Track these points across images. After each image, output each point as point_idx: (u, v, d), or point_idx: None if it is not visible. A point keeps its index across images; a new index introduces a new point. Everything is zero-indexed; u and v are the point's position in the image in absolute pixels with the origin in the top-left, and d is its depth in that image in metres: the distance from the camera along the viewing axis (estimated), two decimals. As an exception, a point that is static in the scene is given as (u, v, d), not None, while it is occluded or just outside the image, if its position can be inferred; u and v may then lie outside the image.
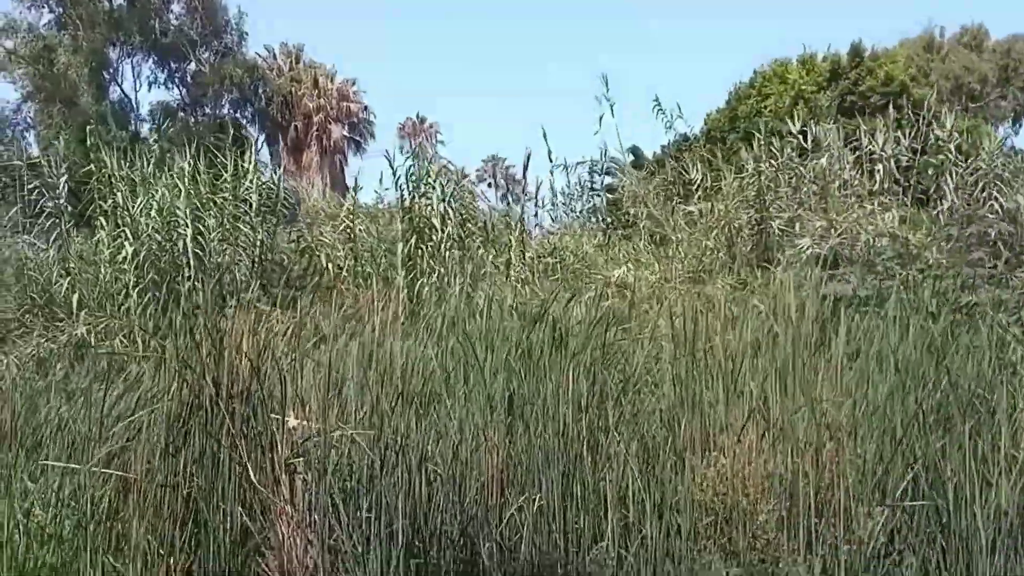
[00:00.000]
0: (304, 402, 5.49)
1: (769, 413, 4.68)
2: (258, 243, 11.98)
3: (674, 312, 6.22)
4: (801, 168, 12.94)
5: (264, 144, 28.05)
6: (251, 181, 11.74)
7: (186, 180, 11.55)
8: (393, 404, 5.35)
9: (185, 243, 11.38)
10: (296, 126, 27.26)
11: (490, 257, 11.91)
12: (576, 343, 5.44)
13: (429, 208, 10.97)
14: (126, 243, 11.95)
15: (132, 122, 30.65)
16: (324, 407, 5.39)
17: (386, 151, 29.77)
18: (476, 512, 4.96)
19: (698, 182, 13.76)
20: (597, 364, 5.21)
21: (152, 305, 11.64)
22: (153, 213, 11.78)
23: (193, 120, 28.14)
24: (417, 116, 47.23)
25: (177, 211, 11.33)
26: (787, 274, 10.36)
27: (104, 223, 12.56)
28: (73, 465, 5.54)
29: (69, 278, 11.65)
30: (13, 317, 12.49)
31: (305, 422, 5.48)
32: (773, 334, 5.46)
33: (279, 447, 5.39)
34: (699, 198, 13.73)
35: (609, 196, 17.72)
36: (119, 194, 11.98)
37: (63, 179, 12.15)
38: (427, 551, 5.03)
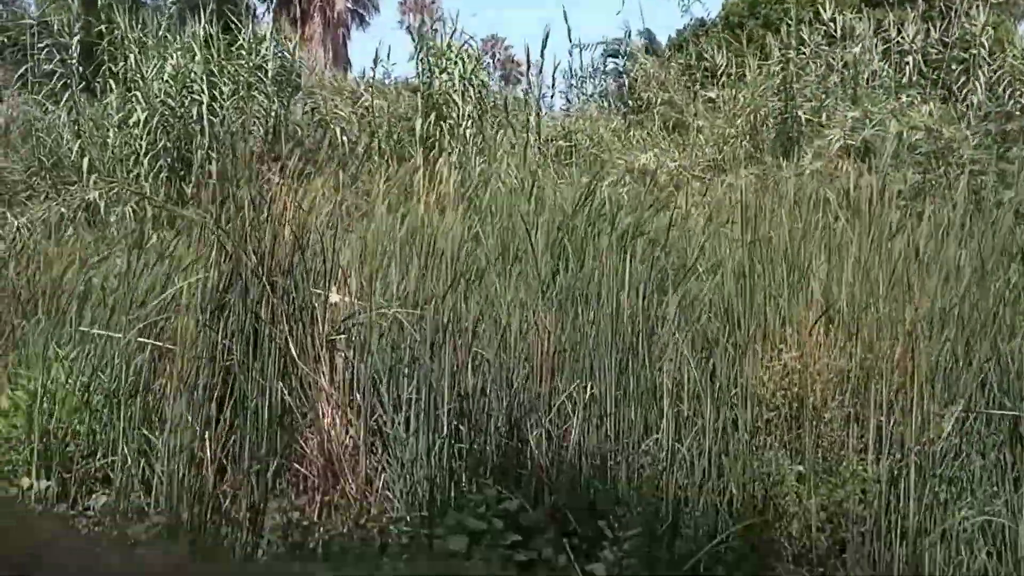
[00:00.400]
0: (346, 278, 5.28)
1: (836, 307, 4.48)
2: (272, 114, 11.55)
3: (704, 200, 5.99)
4: (831, 57, 12.46)
5: (267, 13, 26.96)
6: (267, 48, 11.20)
7: (200, 45, 11.01)
8: (439, 283, 5.15)
9: (200, 109, 10.96)
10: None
11: (506, 138, 11.52)
12: (625, 226, 5.20)
13: (450, 84, 10.51)
14: (137, 108, 11.53)
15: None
16: (369, 282, 5.18)
17: (408, 25, 28.61)
18: (524, 399, 4.82)
19: (722, 68, 13.23)
20: (651, 248, 4.98)
21: (164, 172, 11.34)
22: (166, 77, 11.30)
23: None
24: (420, -10, 45.45)
25: (192, 76, 10.84)
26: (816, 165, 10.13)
27: (113, 86, 12.10)
28: (111, 333, 5.34)
29: (80, 141, 11.25)
30: (20, 179, 12.17)
31: (347, 298, 5.29)
32: (830, 226, 5.24)
33: (320, 323, 5.21)
34: (722, 85, 13.24)
35: (622, 81, 17.18)
36: (131, 56, 11.46)
37: (76, 38, 11.57)
38: (472, 436, 4.92)
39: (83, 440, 5.13)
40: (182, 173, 11.63)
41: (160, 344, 5.20)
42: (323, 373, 5.18)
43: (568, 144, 12.25)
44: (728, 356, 4.62)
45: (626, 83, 16.73)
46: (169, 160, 11.35)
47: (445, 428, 4.91)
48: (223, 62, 11.15)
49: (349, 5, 33.18)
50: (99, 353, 5.44)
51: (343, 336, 5.20)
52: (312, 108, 12.02)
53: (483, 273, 5.14)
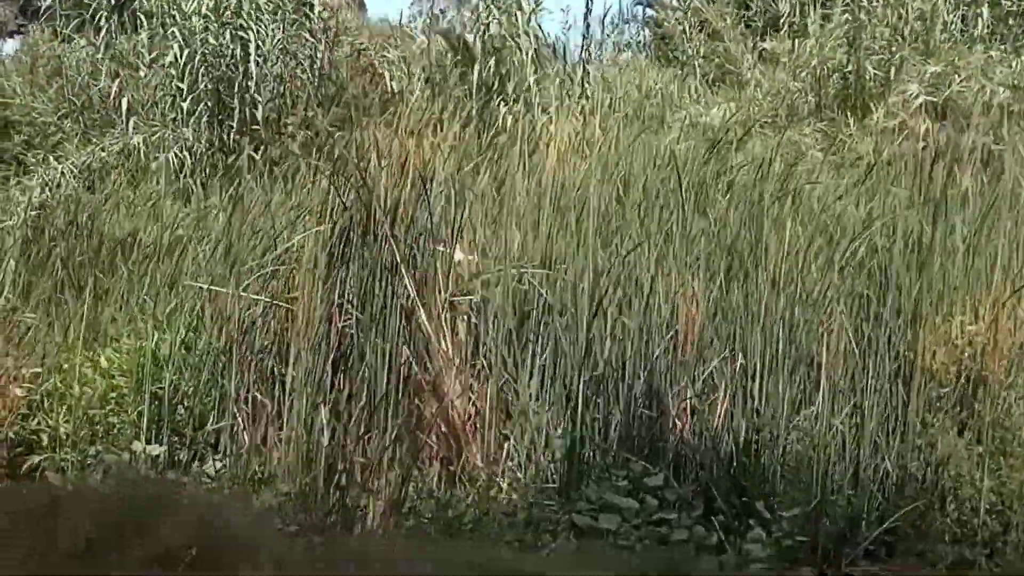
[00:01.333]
0: (471, 234, 4.97)
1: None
2: (318, 55, 11.06)
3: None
4: (901, 7, 11.99)
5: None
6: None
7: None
8: (573, 241, 4.84)
9: (247, 48, 10.45)
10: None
11: (561, 90, 11.07)
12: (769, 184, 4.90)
13: (513, 28, 10.03)
14: (174, 45, 11.00)
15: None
16: (502, 240, 4.87)
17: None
18: (667, 367, 4.55)
19: (784, 15, 12.75)
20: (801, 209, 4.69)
21: (205, 116, 10.87)
22: (205, 11, 10.76)
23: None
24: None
25: (235, 10, 10.32)
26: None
27: (144, 21, 11.57)
28: (220, 288, 5.02)
29: (118, 80, 10.76)
30: (51, 121, 11.70)
31: (472, 256, 4.99)
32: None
33: (442, 282, 4.92)
34: (783, 35, 12.76)
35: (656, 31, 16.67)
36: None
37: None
38: (607, 406, 4.66)
39: (192, 402, 4.84)
40: (221, 118, 11.16)
41: (276, 301, 4.89)
42: (444, 336, 4.91)
43: (616, 96, 11.82)
44: (889, 326, 4.36)
45: (657, 33, 16.25)
46: (209, 104, 10.87)
47: (578, 397, 4.64)
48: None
49: None
50: (203, 310, 5.11)
51: (469, 297, 4.91)
52: (360, 50, 11.52)
53: (622, 230, 4.83)
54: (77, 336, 5.20)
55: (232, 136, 10.91)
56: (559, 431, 4.70)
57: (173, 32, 10.99)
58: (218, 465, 4.63)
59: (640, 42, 15.66)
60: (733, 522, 4.20)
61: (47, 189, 9.06)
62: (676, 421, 4.50)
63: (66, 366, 5.03)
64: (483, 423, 4.79)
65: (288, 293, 4.94)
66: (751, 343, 4.42)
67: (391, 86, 11.04)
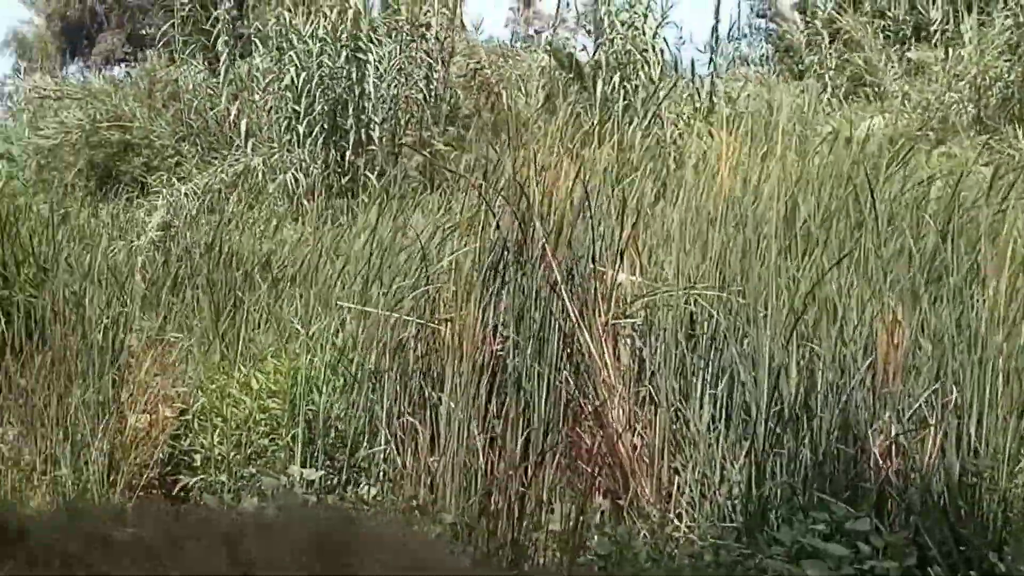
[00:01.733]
0: (635, 254, 4.66)
1: None
2: (434, 75, 10.98)
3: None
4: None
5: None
6: (430, 5, 10.61)
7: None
8: (746, 259, 4.48)
9: (363, 69, 10.43)
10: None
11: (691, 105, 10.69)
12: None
13: (638, 40, 9.72)
14: (291, 68, 11.05)
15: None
16: (677, 260, 4.54)
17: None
18: (864, 400, 4.13)
19: (936, 22, 12.05)
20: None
21: (320, 137, 10.86)
22: (322, 34, 10.78)
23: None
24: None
25: (351, 34, 10.31)
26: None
27: (260, 45, 11.68)
28: (371, 309, 4.81)
29: (237, 103, 10.85)
30: (169, 144, 11.87)
31: (635, 277, 4.68)
32: None
33: (602, 304, 4.61)
34: (936, 43, 12.06)
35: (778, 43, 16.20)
36: (287, 13, 10.99)
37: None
38: (794, 440, 4.26)
39: (344, 425, 4.63)
40: (335, 139, 11.14)
41: (428, 322, 4.64)
42: (607, 361, 4.59)
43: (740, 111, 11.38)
44: None
45: (779, 46, 15.79)
46: (324, 125, 10.86)
47: (759, 429, 4.26)
48: (386, 17, 10.60)
49: None
50: (353, 329, 4.91)
51: (632, 320, 4.59)
52: (476, 68, 11.40)
53: (807, 249, 4.45)
54: (223, 356, 5.06)
55: (347, 157, 10.91)
56: (738, 466, 4.32)
57: (290, 56, 11.08)
58: (372, 491, 4.39)
59: (763, 55, 15.22)
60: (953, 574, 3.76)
61: (172, 210, 9.12)
62: (878, 459, 4.07)
63: (213, 386, 4.89)
64: (652, 455, 4.44)
65: (441, 314, 4.69)
66: (965, 375, 3.97)
67: (508, 104, 10.87)
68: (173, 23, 12.20)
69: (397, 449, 4.52)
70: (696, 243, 4.68)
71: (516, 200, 4.67)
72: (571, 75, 11.36)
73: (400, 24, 10.72)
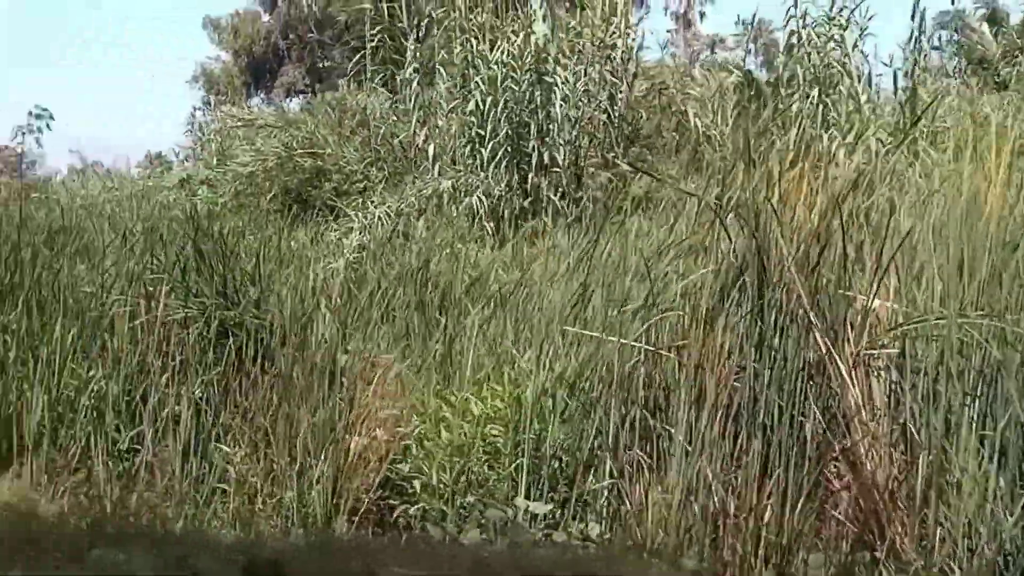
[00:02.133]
0: (891, 278, 4.23)
1: None
2: (619, 95, 10.78)
3: None
4: None
5: None
6: (619, 26, 10.43)
7: (543, 23, 10.41)
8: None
9: (548, 92, 10.36)
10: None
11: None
12: None
13: (840, 57, 9.18)
14: (476, 93, 11.12)
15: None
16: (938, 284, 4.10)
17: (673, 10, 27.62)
18: None
19: None
20: None
21: (505, 160, 10.85)
22: (506, 59, 10.79)
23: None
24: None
25: (536, 58, 10.25)
26: None
27: (444, 73, 11.82)
28: (593, 333, 4.59)
29: (425, 128, 11.00)
30: (357, 169, 12.19)
31: (890, 303, 4.25)
32: None
33: (853, 333, 4.21)
34: None
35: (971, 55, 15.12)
36: (473, 41, 11.08)
37: (422, 21, 11.34)
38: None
39: (567, 456, 4.41)
40: (518, 162, 11.10)
41: (659, 349, 4.38)
42: (858, 395, 4.18)
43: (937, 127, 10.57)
44: None
45: (972, 58, 14.74)
46: (508, 148, 10.85)
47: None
48: (573, 39, 10.50)
49: None
50: (572, 354, 4.70)
51: (888, 351, 4.16)
52: (660, 89, 11.12)
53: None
54: (438, 380, 4.97)
55: (530, 178, 10.86)
56: (1013, 518, 3.81)
57: (475, 81, 11.16)
58: (597, 528, 4.14)
59: (956, 67, 14.26)
60: None
61: (365, 232, 9.30)
62: None
63: (429, 410, 4.79)
64: (912, 502, 3.98)
65: (669, 340, 4.42)
66: None
67: (695, 123, 10.52)
68: (363, 53, 12.55)
69: (623, 483, 4.27)
70: (959, 266, 4.20)
71: (752, 219, 4.35)
72: (752, 92, 10.93)
73: (584, 46, 10.59)
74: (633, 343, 4.43)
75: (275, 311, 5.24)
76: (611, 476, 4.31)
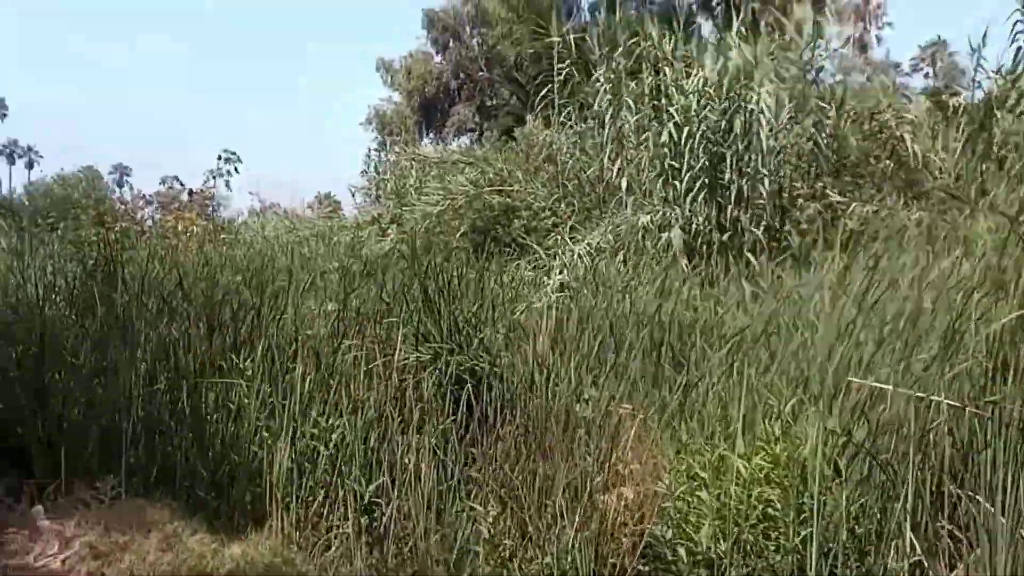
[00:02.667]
0: None
1: None
2: (826, 121, 10.13)
3: None
4: None
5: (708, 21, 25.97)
6: (826, 47, 9.84)
7: (754, 48, 9.93)
8: None
9: (750, 119, 9.85)
10: (753, 8, 24.70)
11: None
12: None
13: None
14: (669, 123, 10.72)
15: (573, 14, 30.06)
16: None
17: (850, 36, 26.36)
18: None
19: None
20: None
21: (703, 192, 10.38)
22: (703, 87, 10.36)
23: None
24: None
25: (744, 84, 9.77)
26: None
27: (632, 104, 11.50)
28: (883, 385, 4.06)
29: (619, 160, 10.69)
30: (545, 206, 12.02)
31: None
32: None
33: None
34: None
35: None
36: (667, 71, 10.74)
37: (618, 51, 11.10)
38: None
39: (860, 528, 3.90)
40: (716, 194, 10.60)
41: (965, 405, 3.82)
42: None
43: None
44: None
45: None
46: (706, 180, 10.37)
47: None
48: (773, 63, 9.97)
49: (810, 11, 31.23)
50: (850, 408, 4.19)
51: None
52: (873, 113, 10.39)
53: None
54: (685, 432, 4.57)
55: (728, 211, 10.33)
56: None
57: (668, 111, 10.79)
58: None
59: None
60: None
61: (565, 270, 9.05)
62: None
63: (681, 467, 4.39)
64: None
65: (976, 394, 3.85)
66: None
67: (913, 149, 9.73)
68: (550, 87, 12.45)
69: (931, 562, 3.72)
70: None
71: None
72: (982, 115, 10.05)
73: (789, 70, 10.03)
74: (934, 397, 3.88)
75: (510, 355, 5.00)
76: (912, 551, 3.77)
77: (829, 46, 10.00)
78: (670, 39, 11.14)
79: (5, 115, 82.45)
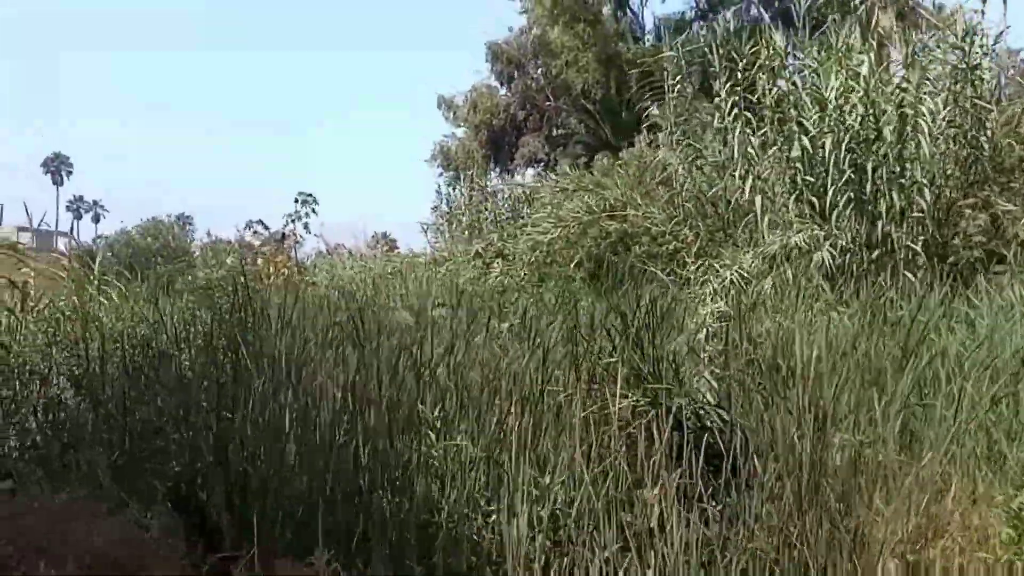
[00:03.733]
0: None
1: None
2: (987, 124, 9.28)
3: None
4: None
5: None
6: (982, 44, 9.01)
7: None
8: None
9: (904, 126, 9.05)
10: (834, 18, 23.79)
11: None
12: None
13: None
14: (804, 138, 9.97)
15: (640, 38, 29.42)
16: None
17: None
18: None
19: None
20: None
21: (850, 207, 9.55)
22: (855, 101, 9.57)
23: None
24: None
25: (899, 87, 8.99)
26: None
27: (753, 120, 10.74)
28: None
29: (750, 179, 9.92)
30: (665, 230, 11.30)
31: None
32: None
33: None
34: None
35: None
36: (797, 80, 10.00)
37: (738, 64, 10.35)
38: None
39: None
40: (864, 208, 9.77)
41: None
42: None
43: None
44: None
45: None
46: (852, 195, 9.57)
47: None
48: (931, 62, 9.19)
49: (895, 22, 30.21)
50: None
51: None
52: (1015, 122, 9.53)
53: None
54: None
55: (880, 227, 9.50)
56: None
57: (800, 122, 10.04)
58: None
59: None
60: None
61: (717, 298, 8.30)
62: None
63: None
64: None
65: None
66: None
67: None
68: (662, 106, 11.79)
69: None
70: None
71: None
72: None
73: (947, 69, 9.22)
74: None
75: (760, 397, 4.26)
76: None
77: (986, 41, 9.13)
78: (791, 48, 10.44)
79: (71, 173, 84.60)
